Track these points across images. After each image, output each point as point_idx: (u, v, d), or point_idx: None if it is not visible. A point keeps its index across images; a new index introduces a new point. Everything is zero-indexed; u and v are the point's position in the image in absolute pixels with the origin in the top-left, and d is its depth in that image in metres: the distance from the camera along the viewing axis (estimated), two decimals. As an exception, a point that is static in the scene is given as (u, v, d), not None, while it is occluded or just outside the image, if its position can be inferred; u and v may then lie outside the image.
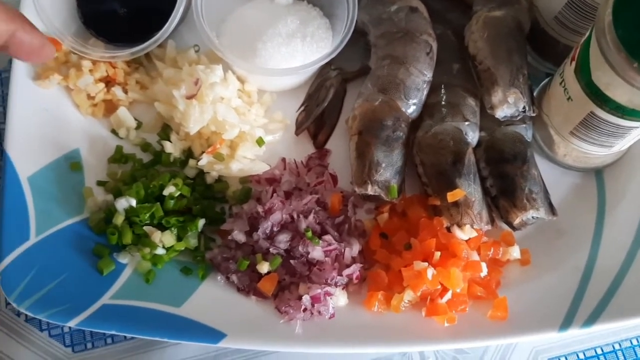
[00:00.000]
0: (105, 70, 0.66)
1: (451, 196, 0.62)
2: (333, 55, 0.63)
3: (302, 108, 0.71)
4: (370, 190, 0.63)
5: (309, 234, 0.61)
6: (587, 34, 0.55)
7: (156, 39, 0.62)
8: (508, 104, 0.64)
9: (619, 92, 0.52)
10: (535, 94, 0.69)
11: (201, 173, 0.66)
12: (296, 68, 0.63)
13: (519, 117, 0.66)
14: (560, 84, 0.61)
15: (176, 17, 0.61)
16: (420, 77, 0.65)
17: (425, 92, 0.66)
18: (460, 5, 0.73)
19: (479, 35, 0.67)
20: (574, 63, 0.58)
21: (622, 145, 0.62)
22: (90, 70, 0.66)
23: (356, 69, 0.71)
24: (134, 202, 0.61)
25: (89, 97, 0.67)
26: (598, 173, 0.69)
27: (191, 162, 0.66)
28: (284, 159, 0.69)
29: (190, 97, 0.63)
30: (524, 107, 0.64)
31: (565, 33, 0.66)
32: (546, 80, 0.70)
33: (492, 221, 0.65)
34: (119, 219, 0.61)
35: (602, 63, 0.52)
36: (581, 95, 0.57)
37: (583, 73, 0.56)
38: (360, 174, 0.64)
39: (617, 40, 0.49)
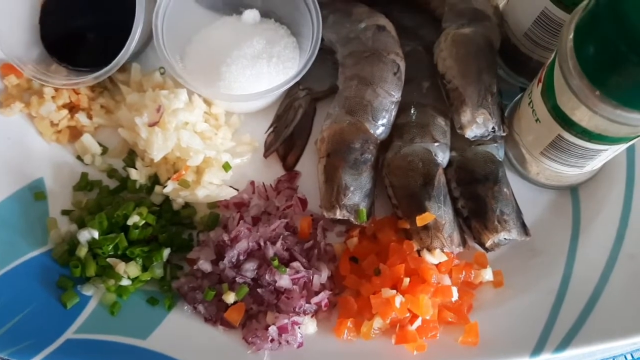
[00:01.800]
0: (69, 97, 0.65)
1: (420, 220, 0.61)
2: (298, 78, 0.62)
3: (270, 129, 0.70)
4: (339, 215, 0.62)
5: (276, 262, 0.60)
6: (552, 57, 0.54)
7: (116, 63, 0.61)
8: (477, 124, 0.63)
9: (584, 117, 0.51)
10: (507, 111, 0.68)
11: (168, 199, 0.65)
12: (259, 93, 0.62)
13: (489, 137, 0.64)
14: (529, 104, 0.60)
15: (133, 41, 0.60)
16: (387, 98, 0.64)
17: (393, 113, 0.65)
18: (432, 21, 0.71)
19: (447, 53, 0.65)
20: (540, 85, 0.56)
21: (593, 165, 0.61)
22: (53, 97, 0.65)
23: (325, 87, 0.70)
24: (96, 234, 0.60)
25: (53, 124, 0.66)
26: (573, 190, 0.68)
27: (157, 188, 0.65)
28: (252, 182, 0.67)
29: (152, 125, 0.62)
30: (493, 128, 0.63)
31: (537, 49, 0.64)
32: (518, 96, 0.69)
33: (464, 243, 0.64)
34: (82, 251, 0.60)
35: (565, 89, 0.50)
36: (548, 118, 0.56)
37: (549, 96, 0.54)
38: (329, 198, 0.63)
39: (578, 67, 0.48)
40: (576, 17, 0.49)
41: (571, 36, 0.48)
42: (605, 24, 0.44)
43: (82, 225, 0.63)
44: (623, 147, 0.56)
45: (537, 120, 0.58)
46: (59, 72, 0.65)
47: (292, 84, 0.62)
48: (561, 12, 0.57)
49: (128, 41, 0.60)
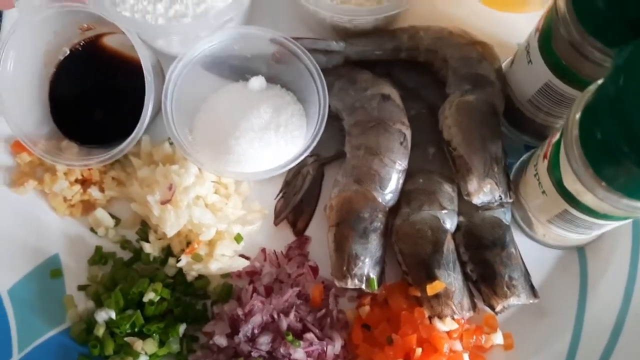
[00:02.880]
0: (81, 173, 0.66)
1: (431, 289, 0.62)
2: (308, 153, 0.63)
3: (280, 195, 0.71)
4: (350, 284, 0.63)
5: (290, 337, 0.61)
6: (557, 136, 0.55)
7: (128, 143, 0.62)
8: (484, 193, 0.64)
9: (590, 200, 0.52)
10: (512, 173, 0.69)
11: (181, 270, 0.66)
12: (269, 171, 0.63)
13: (496, 204, 0.65)
14: (535, 176, 0.61)
15: (144, 124, 0.61)
16: (394, 167, 0.65)
17: (401, 181, 0.66)
18: (434, 82, 0.72)
19: (452, 121, 0.66)
20: (546, 161, 0.57)
21: (599, 232, 0.62)
22: (65, 174, 0.66)
23: (332, 153, 0.71)
24: (113, 314, 0.61)
25: (66, 199, 0.67)
26: (580, 248, 0.69)
27: (170, 261, 0.66)
28: (263, 250, 0.69)
29: (164, 203, 0.63)
30: (499, 196, 0.64)
31: (540, 114, 0.65)
32: (524, 156, 0.70)
33: (474, 307, 0.65)
34: (100, 331, 0.61)
35: (571, 173, 0.51)
36: (554, 193, 0.57)
37: (555, 174, 0.55)
38: (340, 268, 0.64)
39: (584, 157, 0.49)
40: (581, 106, 0.50)
41: (577, 129, 0.49)
42: (608, 121, 0.45)
43: (98, 300, 0.64)
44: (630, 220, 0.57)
45: (543, 192, 0.59)
46: (70, 148, 0.66)
47: (302, 158, 0.62)
48: (565, 86, 0.58)
49: (139, 124, 0.61)
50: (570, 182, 0.53)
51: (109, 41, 0.68)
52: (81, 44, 0.67)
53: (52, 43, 0.65)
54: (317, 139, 0.62)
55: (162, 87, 0.61)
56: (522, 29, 0.74)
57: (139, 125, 0.61)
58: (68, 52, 0.67)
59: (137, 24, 0.61)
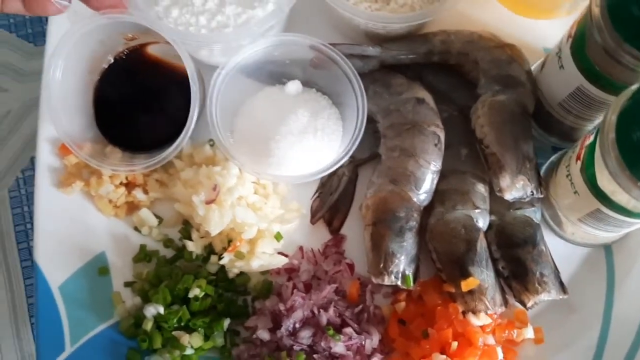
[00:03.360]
0: (125, 177, 0.69)
1: (465, 285, 0.65)
2: (346, 158, 0.65)
3: (316, 195, 0.73)
4: (387, 281, 0.66)
5: (331, 331, 0.63)
6: (592, 138, 0.57)
7: (172, 150, 0.64)
8: (516, 189, 0.66)
9: (625, 200, 0.54)
10: (542, 172, 0.71)
11: (223, 268, 0.69)
12: (311, 174, 0.65)
13: (527, 199, 0.67)
14: (567, 176, 0.63)
15: (189, 131, 0.63)
16: (429, 168, 0.67)
17: (435, 181, 0.68)
18: (465, 84, 0.75)
19: (484, 120, 0.69)
20: (579, 162, 0.60)
21: (628, 230, 0.64)
22: (110, 177, 0.68)
23: (366, 155, 0.73)
24: (161, 309, 0.64)
25: (111, 201, 0.69)
26: (607, 246, 0.71)
27: (213, 258, 0.68)
28: (301, 248, 0.71)
29: (209, 202, 0.65)
30: (531, 191, 0.66)
31: (570, 117, 0.67)
32: (553, 157, 0.72)
33: (505, 303, 0.67)
34: (149, 325, 0.64)
35: (606, 174, 0.54)
36: (587, 193, 0.59)
37: (589, 176, 0.58)
38: (377, 265, 0.66)
39: (621, 159, 0.51)
40: (617, 109, 0.52)
41: (613, 132, 0.51)
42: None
43: (144, 296, 0.67)
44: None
45: (575, 192, 0.62)
46: (114, 153, 0.69)
47: (341, 163, 0.65)
48: (597, 90, 0.60)
49: (184, 132, 0.62)
50: (605, 183, 0.55)
51: (152, 50, 0.70)
52: (125, 52, 0.69)
53: (98, 51, 0.68)
54: (356, 144, 0.65)
55: (202, 94, 0.63)
56: (547, 33, 0.77)
57: (183, 133, 0.63)
58: (112, 60, 0.70)
59: (182, 35, 0.63)
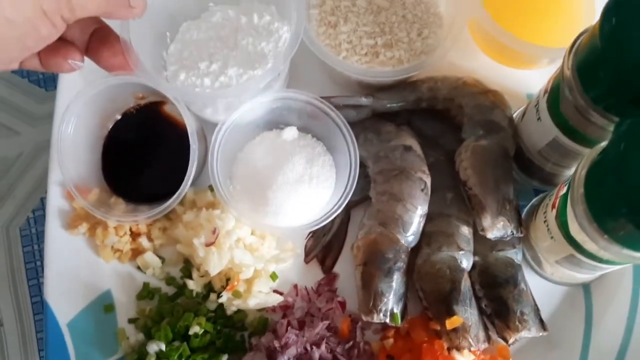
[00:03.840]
0: (130, 228, 0.73)
1: (450, 323, 0.69)
2: (340, 210, 0.69)
3: (310, 235, 0.77)
4: (376, 319, 0.69)
5: (322, 368, 0.67)
6: (565, 189, 0.61)
7: (173, 200, 0.68)
8: (497, 228, 0.70)
9: (594, 248, 0.58)
10: (524, 214, 0.75)
11: (221, 305, 0.73)
12: (306, 225, 0.69)
13: (508, 238, 0.71)
14: (544, 222, 0.67)
15: (186, 186, 0.67)
16: (416, 212, 0.72)
17: (421, 224, 0.72)
18: (451, 129, 0.79)
19: (468, 164, 0.73)
20: (554, 210, 0.64)
21: (604, 272, 0.68)
22: (115, 228, 0.72)
23: (358, 197, 0.77)
24: (163, 346, 0.68)
25: (115, 249, 0.73)
26: (585, 285, 0.75)
27: (212, 296, 0.72)
28: (295, 286, 0.75)
29: (209, 245, 0.69)
30: (511, 231, 0.70)
31: (549, 164, 0.72)
32: (534, 200, 0.76)
33: (488, 339, 0.71)
34: (151, 361, 0.68)
35: (576, 225, 0.58)
36: (562, 240, 0.63)
37: (562, 224, 0.62)
38: (367, 304, 0.70)
39: (589, 212, 0.55)
40: (586, 165, 0.56)
41: (582, 187, 0.55)
42: (609, 183, 0.51)
43: (147, 333, 0.70)
44: (631, 263, 0.63)
45: (551, 237, 0.66)
46: (118, 204, 0.73)
47: (334, 216, 0.69)
48: (572, 143, 0.65)
49: (182, 187, 0.66)
50: (576, 232, 0.59)
51: (160, 108, 0.75)
52: (134, 109, 0.74)
53: (109, 109, 0.72)
54: (349, 197, 0.69)
55: (204, 149, 0.68)
56: (530, 80, 0.82)
57: (182, 187, 0.67)
58: (121, 116, 0.75)
59: (187, 95, 0.68)
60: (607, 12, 0.53)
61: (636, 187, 0.48)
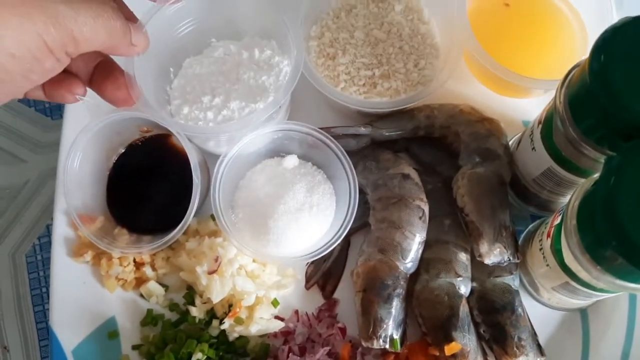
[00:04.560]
0: (134, 258, 0.75)
1: (448, 350, 0.70)
2: (338, 243, 0.70)
3: (310, 262, 0.79)
4: (376, 345, 0.70)
5: (323, 394, 0.68)
6: (559, 219, 0.63)
7: (172, 237, 0.69)
8: (494, 254, 0.72)
9: (588, 277, 0.60)
10: (520, 240, 0.77)
11: (224, 331, 0.74)
12: (307, 256, 0.70)
13: (505, 264, 0.73)
14: (540, 250, 0.68)
15: (189, 219, 0.68)
16: (414, 239, 0.73)
17: (420, 251, 0.74)
18: (449, 156, 0.81)
19: (464, 191, 0.74)
20: (549, 239, 0.65)
21: (600, 298, 0.69)
22: (119, 259, 0.74)
23: (357, 224, 0.78)
24: (167, 373, 0.69)
25: (119, 279, 0.75)
26: (582, 310, 0.76)
27: (214, 323, 0.74)
28: (296, 312, 0.76)
29: (211, 273, 0.71)
30: (508, 258, 0.72)
31: (545, 192, 0.73)
32: (530, 226, 0.78)
33: (486, 364, 0.72)
34: (155, 388, 0.69)
35: (570, 255, 0.59)
36: (557, 268, 0.64)
37: (557, 253, 0.63)
38: (367, 330, 0.71)
39: (582, 244, 0.57)
40: (579, 197, 0.58)
41: (575, 219, 0.57)
42: (600, 216, 0.52)
43: (151, 359, 0.72)
44: (624, 292, 0.64)
45: (547, 265, 0.67)
46: (121, 235, 0.74)
47: (334, 246, 0.70)
48: (565, 173, 0.66)
49: (184, 219, 0.68)
50: (570, 261, 0.61)
51: (163, 140, 0.77)
52: (140, 141, 0.76)
53: (114, 141, 0.75)
54: (348, 228, 0.70)
55: (207, 180, 0.69)
56: (527, 107, 0.84)
57: (184, 220, 0.69)
58: (125, 149, 0.77)
59: (190, 128, 0.69)
60: (596, 50, 0.55)
61: (625, 222, 0.49)
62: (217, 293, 0.71)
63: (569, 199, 0.60)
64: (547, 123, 0.66)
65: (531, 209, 0.79)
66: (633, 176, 0.51)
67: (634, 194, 0.50)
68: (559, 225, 0.62)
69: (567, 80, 0.61)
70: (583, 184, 0.59)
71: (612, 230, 0.51)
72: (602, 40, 0.56)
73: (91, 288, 0.75)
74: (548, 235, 0.66)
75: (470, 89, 0.85)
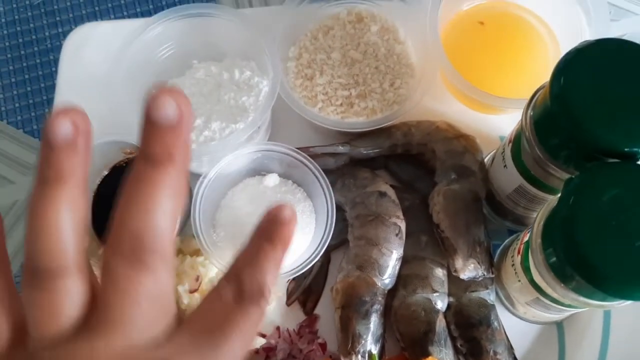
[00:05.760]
0: None
1: (425, 364, 0.71)
2: (317, 259, 0.72)
3: (291, 278, 0.80)
4: (355, 360, 0.72)
5: (303, 410, 0.70)
6: (527, 237, 0.64)
7: None
8: (469, 270, 0.73)
9: (555, 294, 0.61)
10: (497, 255, 0.78)
11: (207, 348, 0.76)
12: (287, 274, 0.72)
13: (480, 279, 0.74)
14: (512, 266, 0.70)
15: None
16: (392, 256, 0.75)
17: (397, 267, 0.75)
18: (426, 173, 0.82)
19: (440, 208, 0.76)
20: (519, 256, 0.67)
21: (572, 312, 0.71)
22: None
23: (337, 241, 0.80)
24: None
25: None
26: (558, 323, 0.78)
27: (197, 340, 0.75)
28: (278, 328, 0.78)
29: (192, 292, 0.73)
30: (482, 273, 0.73)
31: (520, 208, 0.75)
32: (506, 241, 0.79)
33: (464, 378, 0.74)
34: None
35: (537, 273, 0.61)
36: (527, 284, 0.66)
37: (526, 270, 0.65)
38: (345, 346, 0.73)
39: (546, 263, 0.58)
40: (544, 217, 0.59)
41: (540, 237, 0.59)
42: (559, 236, 0.54)
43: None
44: (593, 306, 0.66)
45: (519, 280, 0.69)
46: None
47: (313, 263, 0.72)
48: (536, 190, 0.68)
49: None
50: (538, 279, 0.62)
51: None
52: (124, 163, 0.78)
53: (99, 164, 0.76)
54: (325, 246, 0.72)
55: (189, 200, 0.71)
56: (502, 123, 0.85)
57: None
58: (109, 171, 0.79)
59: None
60: (557, 73, 0.57)
61: (583, 242, 0.51)
62: (198, 311, 0.73)
63: (534, 219, 0.61)
64: (517, 142, 0.67)
65: (507, 224, 0.81)
66: (592, 197, 0.53)
67: (592, 215, 0.52)
68: (527, 243, 0.64)
69: (532, 102, 0.63)
70: (549, 203, 0.61)
71: (571, 249, 0.52)
72: (563, 62, 0.57)
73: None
74: (518, 252, 0.67)
75: (447, 106, 0.87)
